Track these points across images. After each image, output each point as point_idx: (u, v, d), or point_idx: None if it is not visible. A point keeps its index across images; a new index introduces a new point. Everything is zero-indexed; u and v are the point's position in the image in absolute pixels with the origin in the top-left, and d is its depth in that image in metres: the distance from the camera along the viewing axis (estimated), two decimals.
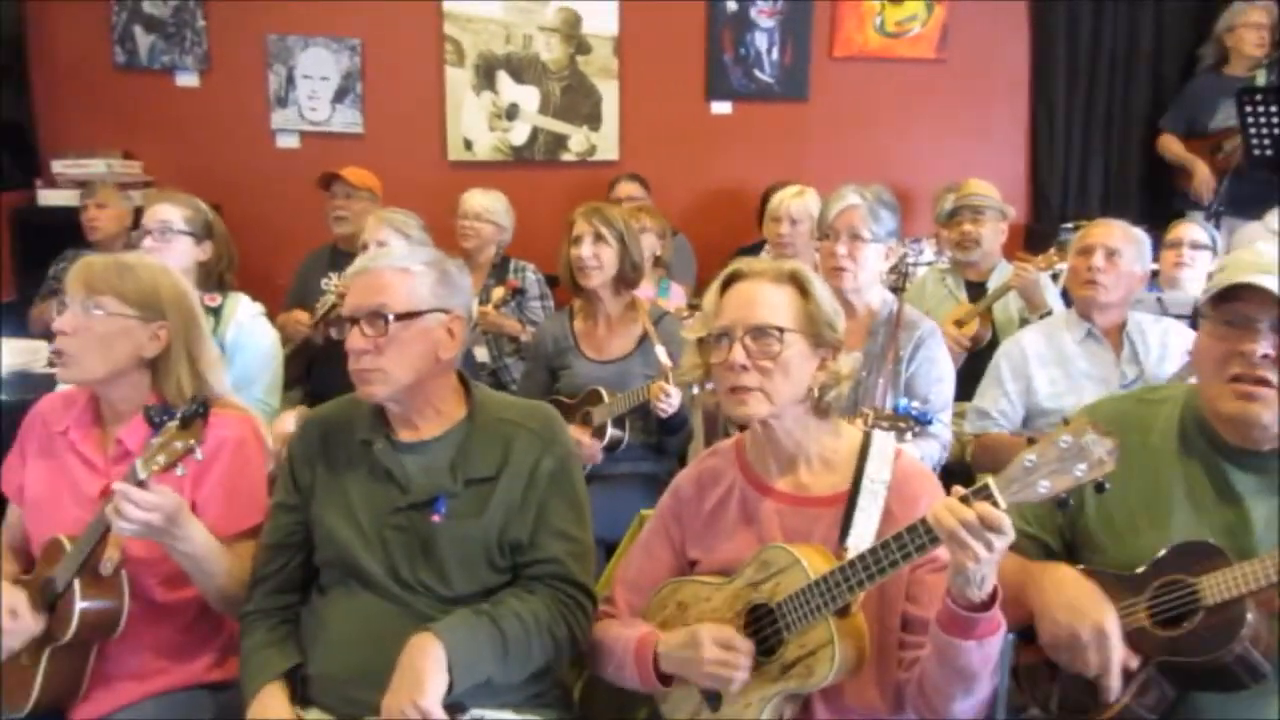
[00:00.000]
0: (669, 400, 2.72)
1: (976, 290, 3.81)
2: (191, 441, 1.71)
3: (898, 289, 4.36)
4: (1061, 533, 1.71)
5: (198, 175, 4.65)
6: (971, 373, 3.19)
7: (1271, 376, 1.52)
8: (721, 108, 5.29)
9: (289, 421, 2.76)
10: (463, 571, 1.81)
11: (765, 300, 1.67)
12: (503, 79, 5.17)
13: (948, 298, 3.84)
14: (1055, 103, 5.31)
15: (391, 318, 1.79)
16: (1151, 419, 1.69)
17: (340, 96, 5.14)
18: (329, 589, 1.86)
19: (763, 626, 1.65)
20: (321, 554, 1.86)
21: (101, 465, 1.97)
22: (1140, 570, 1.57)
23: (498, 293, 3.92)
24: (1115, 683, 1.52)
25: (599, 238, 3.05)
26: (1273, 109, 3.88)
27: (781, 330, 1.65)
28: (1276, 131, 3.90)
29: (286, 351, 3.25)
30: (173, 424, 1.72)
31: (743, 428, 1.81)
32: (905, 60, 5.29)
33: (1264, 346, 1.52)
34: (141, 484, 1.71)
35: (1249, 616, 1.46)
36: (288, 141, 5.18)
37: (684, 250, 4.87)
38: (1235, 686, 1.49)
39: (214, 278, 3.02)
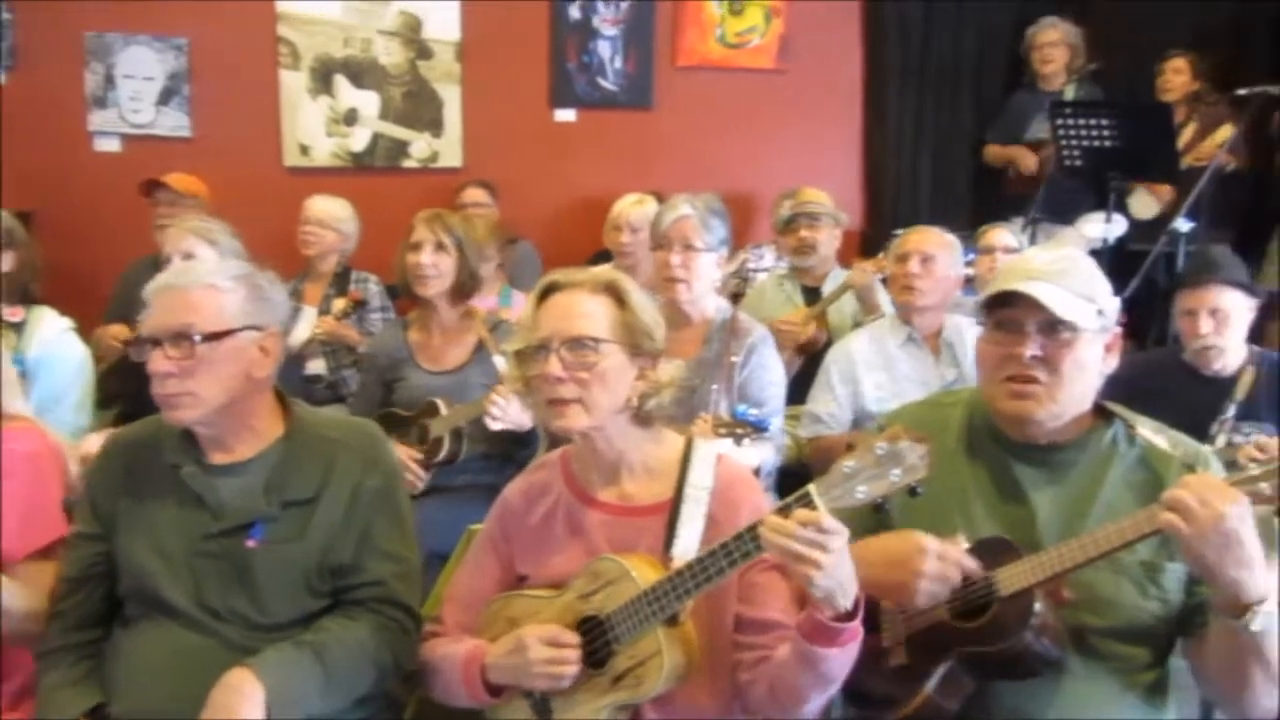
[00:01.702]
0: (502, 410, 2.69)
1: (813, 295, 3.92)
2: None
3: (739, 295, 4.46)
4: (873, 534, 1.77)
5: (6, 180, 4.35)
6: (810, 376, 3.28)
7: (1040, 375, 1.60)
8: (566, 115, 5.28)
9: (95, 442, 2.61)
10: (281, 598, 1.74)
11: (581, 311, 1.66)
12: (341, 83, 5.04)
13: (786, 303, 3.93)
14: (887, 114, 5.51)
15: (198, 338, 1.71)
16: (945, 422, 1.76)
17: (166, 98, 4.90)
18: (133, 622, 1.76)
19: (594, 639, 1.64)
20: (124, 585, 1.77)
21: None
22: None
23: (339, 304, 3.82)
24: (972, 564, 1.56)
25: (439, 245, 3.00)
26: (1081, 122, 4.13)
27: (598, 341, 1.64)
28: (1085, 143, 4.14)
29: (102, 368, 3.07)
30: None
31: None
32: (746, 70, 5.40)
33: (1032, 348, 1.60)
34: None
35: (1038, 606, 1.53)
36: (108, 145, 4.90)
37: (530, 258, 4.84)
38: (1028, 674, 1.56)
39: (17, 290, 2.83)
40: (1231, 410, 2.70)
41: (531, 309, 1.71)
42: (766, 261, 4.80)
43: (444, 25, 5.06)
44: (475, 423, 2.87)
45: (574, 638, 1.62)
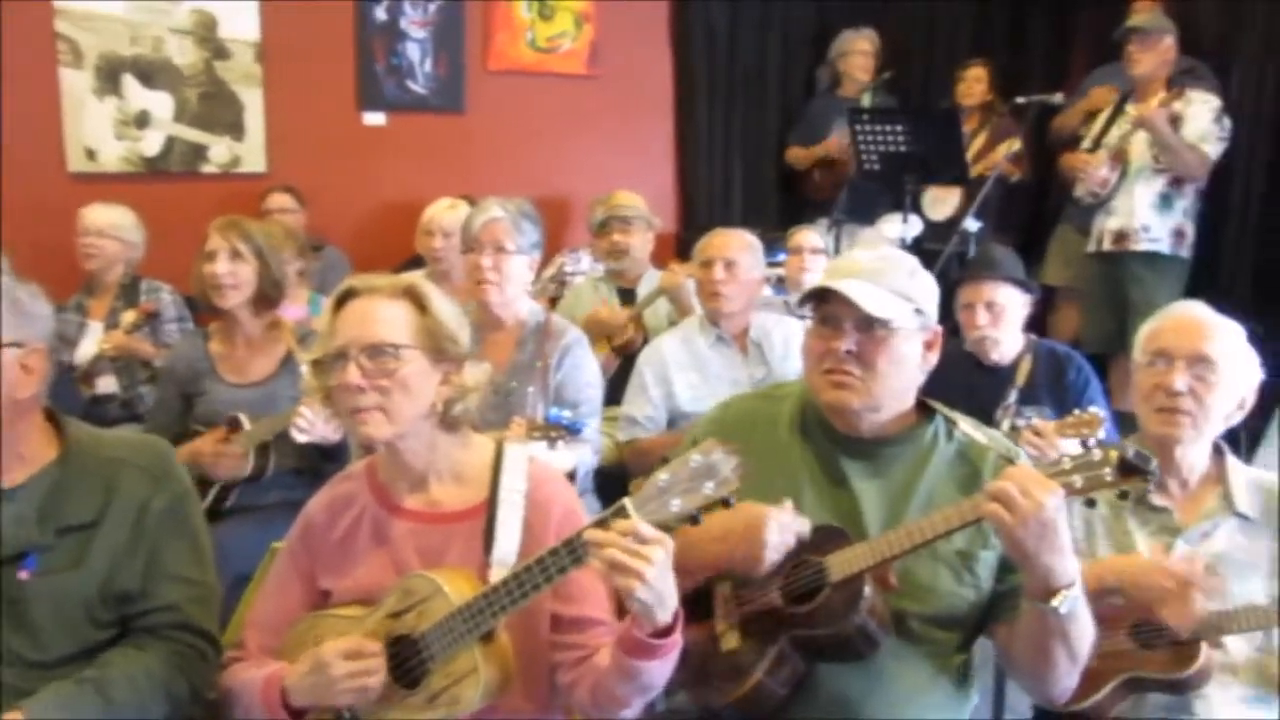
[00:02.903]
0: (310, 422, 2.59)
1: (628, 297, 3.96)
2: None
3: (557, 298, 4.47)
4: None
5: None
6: (628, 377, 3.31)
7: (855, 369, 1.67)
8: (375, 118, 5.16)
9: None
10: (60, 632, 1.62)
11: (380, 317, 1.62)
12: (130, 83, 4.74)
13: (603, 306, 3.95)
14: (698, 118, 5.65)
15: None
16: (777, 414, 1.82)
17: None
18: None
19: (407, 658, 1.60)
20: None
21: None
22: None
23: (129, 316, 3.62)
24: (806, 526, 1.60)
25: (236, 254, 2.86)
26: (877, 127, 4.33)
27: (398, 347, 1.60)
28: (882, 148, 4.35)
29: None
30: None
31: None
32: (558, 75, 5.42)
33: (848, 343, 1.67)
34: None
35: (866, 590, 1.59)
36: None
37: (340, 265, 4.70)
38: (855, 656, 1.62)
39: None
40: (1013, 396, 2.89)
41: (328, 317, 1.66)
42: (583, 265, 4.83)
43: (241, 25, 4.84)
44: (283, 437, 2.75)
45: (376, 647, 1.58)
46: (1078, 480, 1.47)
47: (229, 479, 2.77)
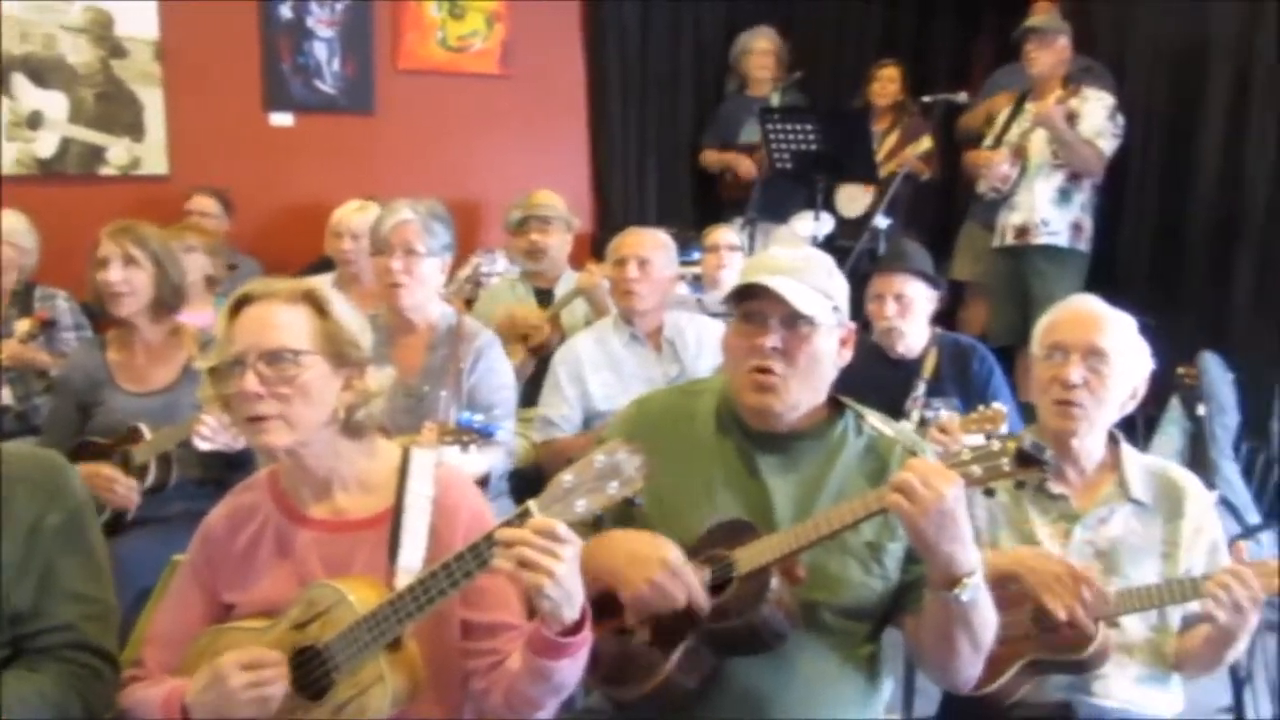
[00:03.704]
0: (213, 430, 2.53)
1: (545, 297, 3.95)
2: None
3: (472, 300, 4.43)
4: (618, 521, 1.79)
5: None
6: (544, 378, 3.30)
7: (778, 367, 1.69)
8: (282, 119, 5.06)
9: None
10: None
11: (279, 322, 1.58)
12: (21, 82, 4.56)
13: (518, 305, 3.93)
14: (612, 118, 5.64)
15: None
16: (694, 409, 1.83)
17: None
18: None
19: (312, 669, 1.57)
20: None
21: None
22: (688, 547, 1.67)
23: (23, 325, 3.47)
24: (703, 600, 1.61)
25: (130, 260, 2.77)
26: (788, 127, 4.38)
27: (297, 353, 1.57)
28: (793, 146, 4.40)
29: None
30: None
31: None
32: (470, 75, 5.37)
33: (772, 340, 1.68)
34: None
35: (773, 583, 1.60)
36: None
37: (250, 269, 4.59)
38: (763, 648, 1.63)
39: None
40: (921, 389, 2.95)
41: (224, 323, 1.61)
42: (499, 266, 4.78)
43: (139, 23, 4.69)
44: (186, 446, 2.68)
45: (276, 656, 1.54)
46: (976, 470, 1.51)
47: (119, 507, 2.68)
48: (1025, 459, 1.49)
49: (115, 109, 4.72)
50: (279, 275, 4.29)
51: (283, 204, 5.00)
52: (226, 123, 4.91)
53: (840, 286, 1.77)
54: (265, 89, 5.01)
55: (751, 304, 1.72)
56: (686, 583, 1.61)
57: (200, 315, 3.45)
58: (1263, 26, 4.33)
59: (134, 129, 4.76)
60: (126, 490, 2.64)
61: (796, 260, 1.75)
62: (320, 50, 5.07)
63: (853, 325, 1.80)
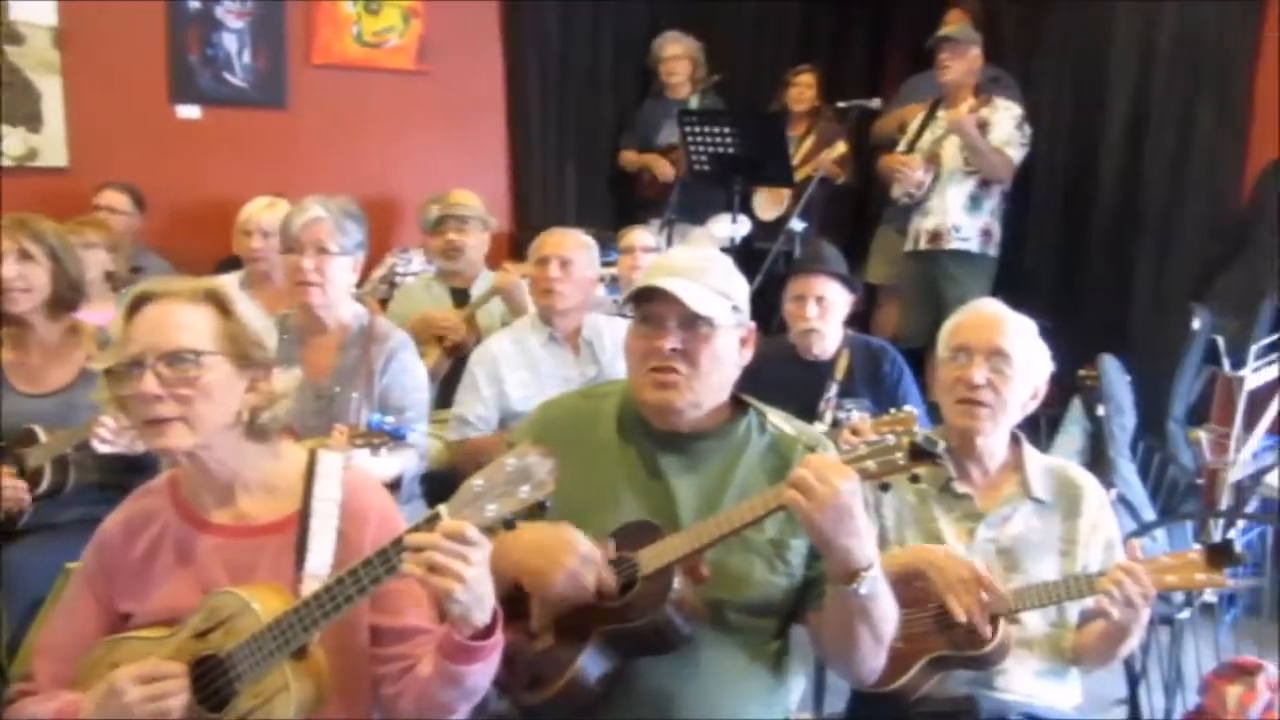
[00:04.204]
0: (113, 432, 2.44)
1: (462, 297, 3.91)
2: None
3: (387, 299, 4.37)
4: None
5: None
6: (459, 379, 3.26)
7: (680, 367, 1.69)
8: (190, 112, 4.91)
9: None
10: None
11: (179, 322, 1.54)
12: None
13: (435, 306, 3.89)
14: (530, 118, 5.60)
15: None
16: (597, 412, 1.83)
17: None
18: None
19: (214, 679, 1.53)
20: None
21: None
22: None
23: None
24: (613, 584, 1.61)
25: (25, 255, 2.67)
26: (706, 130, 4.41)
27: (199, 353, 1.53)
28: (711, 149, 4.43)
29: None
30: None
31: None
32: (386, 71, 5.28)
33: (672, 341, 1.69)
34: None
35: (676, 583, 1.61)
36: None
37: (157, 266, 4.46)
38: (668, 648, 1.64)
39: None
40: (834, 390, 3.00)
41: (122, 323, 1.56)
42: (415, 265, 4.74)
43: (35, 8, 4.50)
44: (84, 449, 2.59)
45: (175, 668, 1.50)
46: (872, 465, 1.54)
47: (7, 510, 2.58)
48: (919, 453, 1.52)
49: (11, 98, 4.52)
50: (186, 274, 4.20)
51: (190, 200, 4.85)
52: (130, 114, 4.75)
53: (740, 287, 1.78)
54: (171, 80, 4.86)
55: (650, 306, 1.72)
56: (597, 568, 1.61)
57: (101, 314, 3.34)
58: (1159, 35, 4.50)
59: (31, 119, 4.57)
60: (14, 493, 2.53)
61: (695, 262, 1.76)
62: (230, 42, 4.94)
63: (753, 325, 1.81)
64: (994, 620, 1.90)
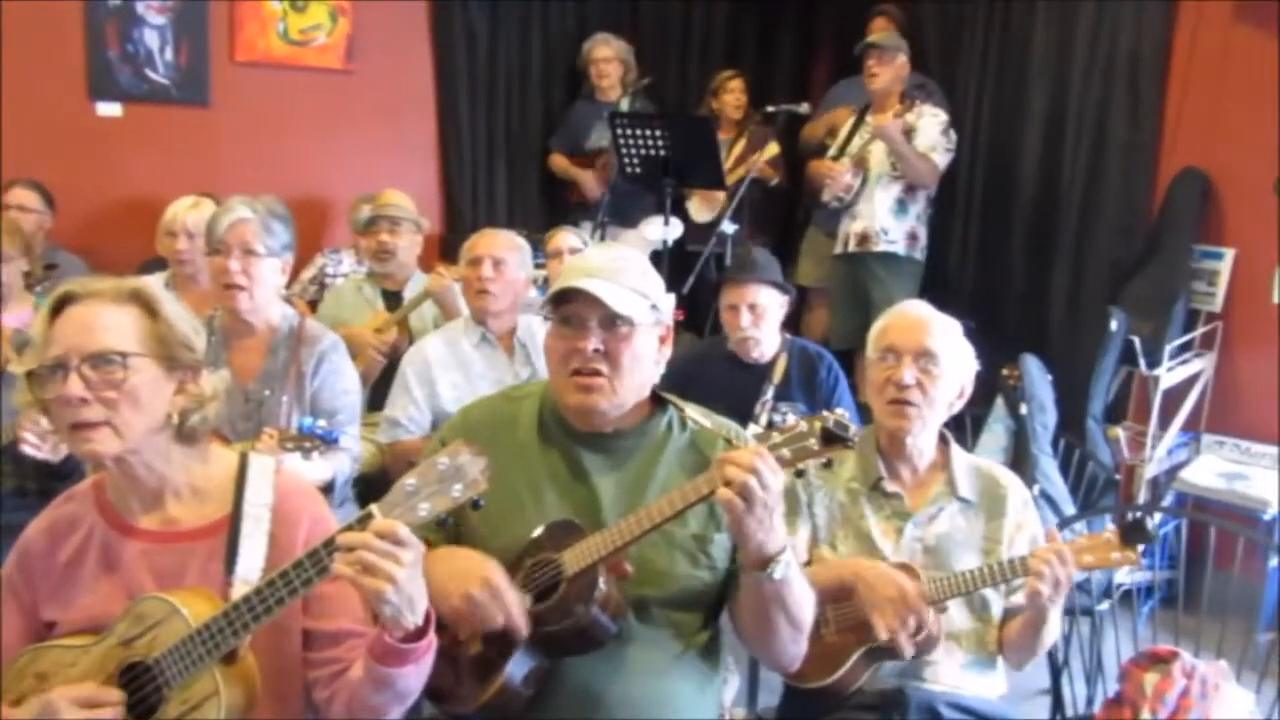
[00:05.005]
0: (38, 436, 2.38)
1: (394, 299, 3.87)
2: None
3: (317, 301, 4.30)
4: (447, 533, 1.77)
5: None
6: (392, 382, 3.23)
7: (602, 368, 1.70)
8: (110, 109, 4.78)
9: None
10: None
11: (104, 323, 1.51)
12: None
13: (366, 307, 3.85)
14: (460, 118, 5.55)
15: None
16: (518, 414, 1.83)
17: None
18: None
19: (141, 685, 1.50)
20: None
21: None
22: (517, 553, 1.68)
23: None
24: (520, 622, 1.60)
25: None
26: (637, 132, 4.42)
27: (125, 355, 1.50)
28: (642, 152, 4.44)
29: None
30: None
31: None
32: (313, 69, 5.20)
33: (593, 342, 1.70)
34: None
35: (600, 582, 1.62)
36: None
37: (76, 268, 4.33)
38: (594, 647, 1.65)
39: None
40: (770, 392, 3.04)
41: (44, 324, 1.52)
42: (345, 266, 4.67)
43: None
44: (4, 454, 2.52)
45: (115, 694, 1.47)
46: (786, 452, 1.55)
47: None
48: (831, 437, 1.54)
49: None
50: (106, 274, 4.09)
51: (111, 199, 4.73)
52: (47, 112, 4.61)
53: (656, 285, 1.79)
54: (90, 77, 4.73)
55: (569, 307, 1.72)
56: (505, 604, 1.60)
57: (17, 315, 3.24)
58: (1076, 41, 4.63)
59: None
60: None
61: (611, 261, 1.76)
62: (151, 38, 4.82)
63: (670, 323, 1.83)
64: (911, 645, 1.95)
